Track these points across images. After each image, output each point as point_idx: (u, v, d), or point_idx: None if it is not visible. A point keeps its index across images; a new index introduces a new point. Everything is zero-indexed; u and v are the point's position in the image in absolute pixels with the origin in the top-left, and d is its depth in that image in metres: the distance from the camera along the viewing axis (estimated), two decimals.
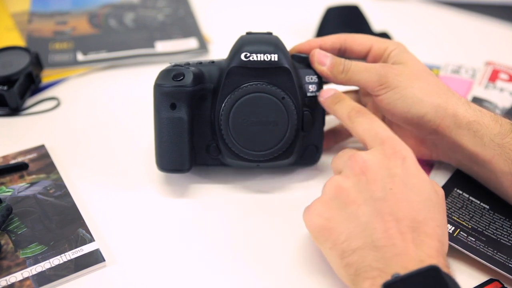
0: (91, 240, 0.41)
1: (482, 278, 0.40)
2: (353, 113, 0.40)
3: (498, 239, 0.41)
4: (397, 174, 0.36)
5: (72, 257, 0.40)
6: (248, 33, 0.44)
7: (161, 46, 0.65)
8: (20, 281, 0.39)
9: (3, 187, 0.46)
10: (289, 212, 0.46)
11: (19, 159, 0.49)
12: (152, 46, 0.64)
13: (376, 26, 0.67)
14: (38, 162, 0.49)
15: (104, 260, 0.40)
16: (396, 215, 0.34)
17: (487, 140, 0.40)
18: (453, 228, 0.41)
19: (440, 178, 0.46)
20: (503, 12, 0.74)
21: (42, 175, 0.47)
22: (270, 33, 0.44)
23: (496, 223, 0.42)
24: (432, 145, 0.45)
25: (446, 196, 0.44)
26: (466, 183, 0.45)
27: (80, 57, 0.62)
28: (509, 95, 0.56)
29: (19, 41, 0.64)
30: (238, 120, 0.43)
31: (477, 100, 0.55)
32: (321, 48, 0.46)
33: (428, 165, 0.48)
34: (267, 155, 0.44)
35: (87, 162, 0.50)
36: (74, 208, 0.44)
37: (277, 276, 0.40)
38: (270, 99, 0.43)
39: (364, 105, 0.49)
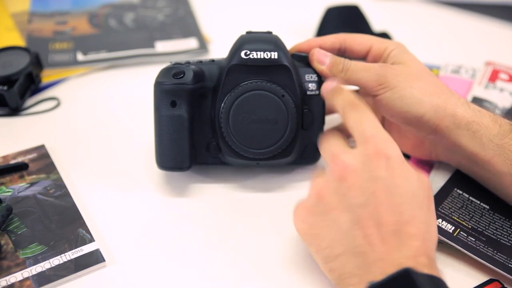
0: (91, 240, 0.41)
1: (482, 278, 0.40)
2: (347, 107, 0.39)
3: (498, 239, 0.41)
4: (379, 177, 0.35)
5: (72, 257, 0.40)
6: (248, 32, 0.44)
7: (161, 46, 0.65)
8: (20, 281, 0.39)
9: (3, 187, 0.46)
10: (289, 211, 0.46)
11: (19, 159, 0.49)
12: (152, 46, 0.64)
13: (376, 26, 0.67)
14: (38, 162, 0.49)
15: (104, 260, 0.40)
16: (377, 220, 0.34)
17: (486, 140, 0.40)
18: (453, 228, 0.41)
19: (440, 178, 0.46)
20: (503, 12, 0.74)
21: (42, 175, 0.47)
22: (270, 32, 0.44)
23: (496, 223, 0.42)
24: (432, 145, 0.45)
25: (446, 196, 0.44)
26: (466, 183, 0.45)
27: (80, 57, 0.62)
28: (509, 95, 0.56)
29: (19, 41, 0.64)
30: (238, 118, 0.43)
31: (477, 100, 0.55)
32: (321, 47, 0.46)
33: (428, 165, 0.48)
34: (267, 153, 0.44)
35: (87, 162, 0.50)
36: (74, 208, 0.44)
37: (277, 275, 0.40)
38: (270, 97, 0.43)
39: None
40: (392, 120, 0.44)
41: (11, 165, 0.48)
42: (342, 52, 0.47)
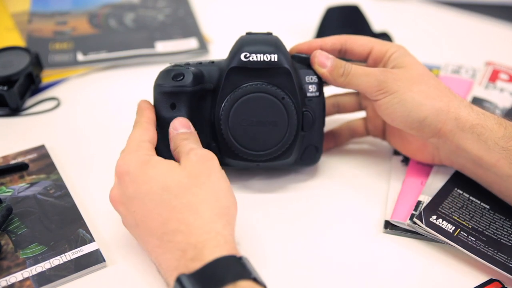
0: (91, 240, 0.41)
1: (482, 278, 0.40)
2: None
3: (499, 239, 0.41)
4: (130, 195, 0.37)
5: (72, 257, 0.40)
6: (248, 33, 0.44)
7: (161, 46, 0.65)
8: (20, 281, 0.38)
9: (3, 188, 0.46)
10: (289, 212, 0.46)
11: (19, 159, 0.49)
12: (152, 46, 0.64)
13: (376, 26, 0.67)
14: (38, 162, 0.49)
15: (104, 261, 0.40)
16: (150, 232, 0.36)
17: (491, 143, 0.40)
18: (454, 228, 0.41)
19: (440, 178, 0.46)
20: (503, 12, 0.74)
21: (42, 175, 0.47)
22: (270, 33, 0.44)
23: (497, 223, 0.42)
24: (434, 149, 0.45)
25: (446, 196, 0.44)
26: (466, 183, 0.45)
27: (80, 57, 0.62)
28: (509, 95, 0.56)
29: (19, 41, 0.64)
30: (237, 120, 0.43)
31: (477, 100, 0.55)
32: (322, 48, 0.46)
33: (428, 165, 0.48)
34: (266, 155, 0.44)
35: (87, 162, 0.50)
36: (74, 208, 0.44)
37: (277, 274, 0.40)
38: (270, 99, 0.43)
39: (364, 108, 0.49)
40: (393, 125, 0.44)
41: (11, 165, 0.48)
42: (342, 54, 0.47)
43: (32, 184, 0.46)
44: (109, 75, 0.61)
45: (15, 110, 0.55)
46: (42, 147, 0.50)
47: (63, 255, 0.40)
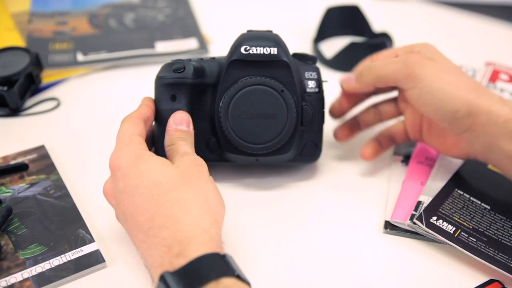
0: (91, 240, 0.41)
1: (482, 278, 0.40)
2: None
3: (499, 239, 0.41)
4: (120, 189, 0.37)
5: (72, 257, 0.40)
6: (248, 31, 0.45)
7: (161, 46, 0.64)
8: (20, 281, 0.38)
9: (3, 188, 0.46)
10: (288, 209, 0.45)
11: (19, 160, 0.49)
12: (152, 46, 0.64)
13: (376, 26, 0.67)
14: (38, 163, 0.49)
15: (104, 261, 0.40)
16: (137, 226, 0.36)
17: None
18: (454, 228, 0.41)
19: (440, 178, 0.46)
20: (503, 13, 0.74)
21: (42, 176, 0.47)
22: (270, 31, 0.45)
23: (497, 223, 0.42)
24: (468, 145, 0.43)
25: (447, 197, 0.44)
26: (467, 184, 0.45)
27: (80, 57, 0.62)
28: (509, 96, 0.56)
29: (19, 42, 0.64)
30: (237, 112, 0.43)
31: None
32: (357, 90, 0.46)
33: (428, 165, 0.48)
34: (266, 149, 0.44)
35: (87, 163, 0.50)
36: (74, 208, 0.44)
37: (277, 274, 0.40)
38: (269, 92, 0.43)
39: (402, 112, 0.48)
40: (428, 116, 0.43)
41: (11, 166, 0.48)
42: (380, 81, 0.45)
43: (32, 185, 0.46)
44: (109, 75, 0.61)
45: (15, 110, 0.55)
46: (42, 147, 0.50)
47: (63, 255, 0.40)
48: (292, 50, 0.45)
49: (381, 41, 0.63)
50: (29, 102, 0.57)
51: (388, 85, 0.45)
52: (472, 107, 0.40)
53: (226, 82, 0.43)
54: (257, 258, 0.41)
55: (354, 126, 0.49)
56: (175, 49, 0.64)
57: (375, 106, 0.49)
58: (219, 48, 0.65)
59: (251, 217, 0.45)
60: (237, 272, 0.33)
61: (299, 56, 0.46)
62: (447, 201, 0.44)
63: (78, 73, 0.61)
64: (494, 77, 0.58)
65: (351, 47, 0.61)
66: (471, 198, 0.44)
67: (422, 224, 0.41)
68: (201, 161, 0.39)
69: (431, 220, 0.42)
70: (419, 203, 0.44)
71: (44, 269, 0.39)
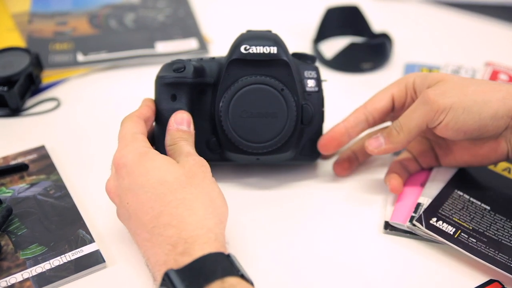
0: (91, 241, 0.41)
1: (482, 278, 0.40)
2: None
3: (500, 239, 0.41)
4: (125, 186, 0.37)
5: (72, 258, 0.40)
6: (248, 31, 0.45)
7: (162, 46, 0.64)
8: (20, 282, 0.38)
9: (3, 188, 0.46)
10: (288, 209, 0.45)
11: (19, 160, 0.49)
12: (152, 46, 0.64)
13: (376, 26, 0.67)
14: (38, 163, 0.49)
15: (104, 261, 0.40)
16: (141, 224, 0.36)
17: None
18: (454, 229, 0.41)
19: (440, 180, 0.46)
20: (503, 13, 0.74)
21: (42, 176, 0.47)
22: (269, 31, 0.45)
23: (497, 224, 0.42)
24: (508, 143, 0.42)
25: (447, 198, 0.44)
26: (466, 185, 0.45)
27: (80, 57, 0.62)
28: None
29: (19, 42, 0.64)
30: (237, 111, 0.43)
31: None
32: (347, 128, 0.44)
33: (428, 168, 0.48)
34: (266, 147, 0.44)
35: (87, 163, 0.50)
36: (74, 209, 0.44)
37: (276, 274, 0.40)
38: (269, 91, 0.43)
39: (439, 151, 0.46)
40: (467, 137, 0.41)
41: (11, 166, 0.48)
42: (371, 122, 0.45)
43: (32, 185, 0.46)
44: (109, 76, 0.61)
45: (15, 111, 0.55)
46: (42, 147, 0.50)
47: (63, 255, 0.40)
48: (292, 50, 0.45)
49: (381, 42, 0.63)
50: (29, 102, 0.57)
51: (420, 134, 0.43)
52: (507, 100, 0.39)
53: (226, 82, 0.43)
54: (257, 258, 0.41)
55: (352, 159, 0.48)
56: (175, 49, 0.64)
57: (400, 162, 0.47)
58: (219, 48, 0.65)
59: (250, 216, 0.45)
60: (242, 271, 0.33)
61: (298, 56, 0.46)
62: (447, 202, 0.44)
63: (78, 74, 0.61)
64: (493, 77, 0.58)
65: (351, 47, 0.61)
66: (471, 199, 0.44)
67: (422, 225, 0.41)
68: (205, 162, 0.39)
69: (430, 222, 0.42)
70: (418, 204, 0.44)
71: (44, 269, 0.39)
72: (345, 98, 0.56)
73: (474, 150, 0.43)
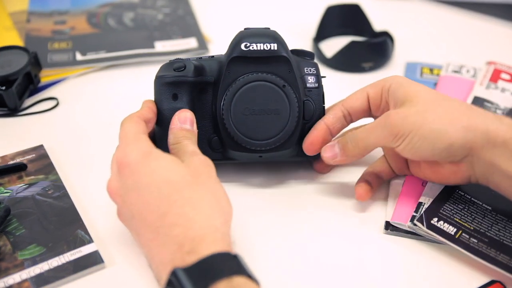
0: (90, 241, 0.41)
1: (483, 279, 0.39)
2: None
3: (501, 240, 0.41)
4: (129, 186, 0.37)
5: (71, 258, 0.40)
6: (246, 29, 0.45)
7: (161, 45, 0.64)
8: (19, 283, 0.38)
9: (2, 188, 0.46)
10: (288, 211, 0.45)
11: (18, 160, 0.48)
12: (151, 45, 0.64)
13: (376, 25, 0.67)
14: (37, 163, 0.48)
15: (103, 262, 0.40)
16: (145, 224, 0.36)
17: None
18: (455, 230, 0.41)
19: None
20: (505, 11, 0.73)
21: (40, 176, 0.47)
22: (267, 28, 0.45)
23: (499, 224, 0.42)
24: (470, 168, 0.41)
25: (448, 198, 0.44)
26: (468, 185, 0.45)
27: (79, 56, 0.62)
28: (510, 96, 0.56)
29: (18, 41, 0.64)
30: (239, 109, 0.43)
31: (478, 101, 0.55)
32: (327, 124, 0.44)
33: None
34: (269, 144, 0.44)
35: (86, 163, 0.49)
36: (73, 209, 0.44)
37: (276, 274, 0.40)
38: (271, 87, 0.43)
39: (383, 150, 0.46)
40: (423, 160, 0.42)
41: (9, 166, 0.47)
42: (349, 119, 0.45)
43: (30, 185, 0.46)
44: (108, 75, 0.61)
45: (13, 110, 0.55)
46: (40, 147, 0.50)
47: (61, 256, 0.40)
48: (290, 48, 0.45)
49: (382, 40, 0.62)
50: (28, 101, 0.57)
51: (381, 148, 0.44)
52: (467, 133, 0.38)
53: (227, 80, 0.43)
54: (258, 257, 0.41)
55: (374, 181, 0.46)
56: (175, 48, 0.64)
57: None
58: (219, 48, 0.65)
59: (252, 216, 0.44)
60: (248, 271, 0.33)
61: (296, 52, 0.46)
62: (448, 202, 0.43)
63: (77, 73, 0.61)
64: (495, 76, 0.58)
65: (351, 46, 0.61)
66: (472, 199, 0.44)
67: (423, 225, 0.41)
68: (210, 162, 0.39)
69: (431, 222, 0.41)
70: (419, 204, 0.43)
71: (42, 270, 0.39)
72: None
73: (436, 169, 0.42)
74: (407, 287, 0.40)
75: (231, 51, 0.43)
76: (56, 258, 0.40)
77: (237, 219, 0.44)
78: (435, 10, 0.75)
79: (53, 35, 0.65)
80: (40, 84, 0.59)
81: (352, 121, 0.45)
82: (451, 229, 0.41)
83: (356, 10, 0.67)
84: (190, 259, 0.33)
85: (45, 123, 0.54)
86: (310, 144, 0.45)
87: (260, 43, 0.43)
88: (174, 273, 0.33)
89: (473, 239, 0.40)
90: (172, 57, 0.62)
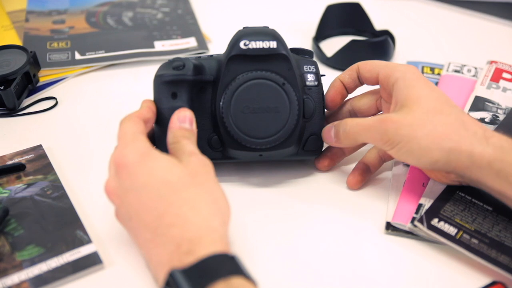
0: (89, 241, 0.41)
1: (485, 280, 0.39)
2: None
3: (502, 241, 0.40)
4: (126, 187, 0.37)
5: (70, 259, 0.40)
6: (245, 27, 0.45)
7: (160, 45, 0.64)
8: (17, 284, 0.38)
9: (0, 189, 0.46)
10: (288, 211, 0.45)
11: (16, 160, 0.48)
12: (151, 45, 0.64)
13: (377, 24, 0.67)
14: (36, 163, 0.48)
15: (101, 262, 0.40)
16: (143, 225, 0.36)
17: None
18: (456, 230, 0.41)
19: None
20: (506, 11, 0.73)
21: (39, 176, 0.47)
22: (266, 27, 0.45)
23: (500, 225, 0.42)
24: (459, 176, 0.42)
25: (448, 199, 0.43)
26: (468, 186, 0.44)
27: (78, 56, 0.62)
28: None
29: (16, 40, 0.64)
30: (239, 108, 0.43)
31: (479, 100, 0.54)
32: (343, 82, 0.47)
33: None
34: (270, 143, 0.43)
35: (85, 163, 0.49)
36: (72, 209, 0.44)
37: (276, 274, 0.40)
38: (270, 85, 0.43)
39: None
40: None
41: (8, 166, 0.47)
42: (362, 82, 0.47)
43: (29, 185, 0.46)
44: (108, 74, 0.61)
45: (12, 110, 0.55)
46: (39, 147, 0.50)
47: (60, 256, 0.40)
48: (289, 46, 0.45)
49: (383, 39, 0.62)
50: (27, 101, 0.56)
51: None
52: (451, 154, 0.39)
53: (227, 78, 0.43)
54: (258, 258, 0.41)
55: (365, 171, 0.47)
56: (174, 47, 0.64)
57: (350, 102, 0.49)
58: (219, 47, 0.65)
59: (252, 216, 0.44)
60: (246, 272, 0.33)
61: (295, 51, 0.46)
62: (449, 203, 0.43)
63: (76, 72, 0.61)
64: (497, 75, 0.57)
65: (352, 45, 0.60)
66: (473, 199, 0.44)
67: (424, 226, 0.41)
68: (208, 162, 0.39)
69: (432, 222, 0.41)
70: (420, 205, 0.43)
71: (41, 271, 0.39)
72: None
73: (425, 170, 0.44)
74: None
75: (230, 49, 0.43)
76: (55, 259, 0.40)
77: (237, 218, 0.44)
78: (436, 9, 0.75)
79: (52, 35, 0.65)
80: (39, 84, 0.58)
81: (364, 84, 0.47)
82: (451, 230, 0.41)
83: (356, 9, 0.66)
84: (188, 259, 0.33)
85: (44, 123, 0.54)
86: (331, 101, 0.47)
87: (259, 41, 0.43)
88: (171, 274, 0.33)
89: (474, 240, 0.40)
90: (172, 57, 0.62)
